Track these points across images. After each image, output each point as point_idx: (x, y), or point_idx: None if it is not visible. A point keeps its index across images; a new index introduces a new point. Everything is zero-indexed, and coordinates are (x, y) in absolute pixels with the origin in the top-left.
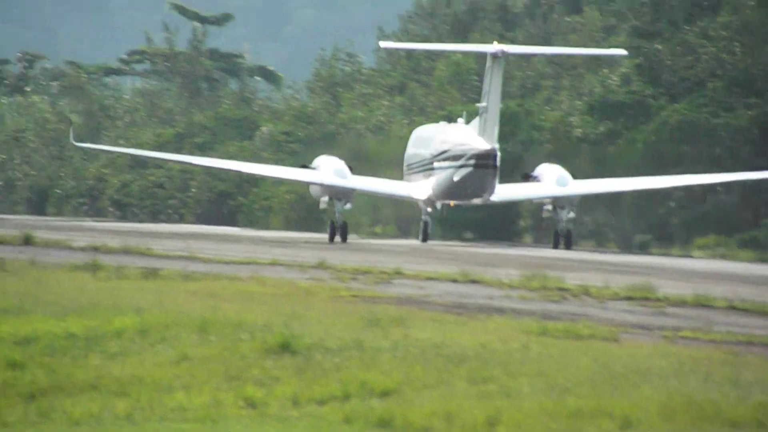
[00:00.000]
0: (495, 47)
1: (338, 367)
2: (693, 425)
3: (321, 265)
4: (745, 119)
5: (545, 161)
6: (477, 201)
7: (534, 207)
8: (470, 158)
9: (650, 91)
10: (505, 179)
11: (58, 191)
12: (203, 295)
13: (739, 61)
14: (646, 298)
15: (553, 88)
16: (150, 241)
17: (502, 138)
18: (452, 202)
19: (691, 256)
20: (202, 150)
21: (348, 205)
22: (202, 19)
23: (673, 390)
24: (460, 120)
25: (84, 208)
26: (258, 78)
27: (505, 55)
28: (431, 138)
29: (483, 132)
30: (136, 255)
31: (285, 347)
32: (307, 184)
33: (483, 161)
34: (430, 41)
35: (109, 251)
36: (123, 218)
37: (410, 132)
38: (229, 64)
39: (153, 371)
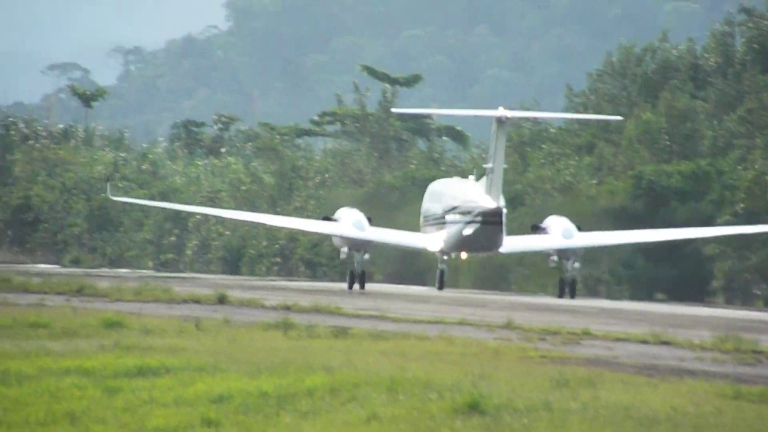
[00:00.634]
0: (499, 113)
1: (527, 428)
2: None
3: (509, 326)
4: None
5: (737, 221)
6: (486, 252)
7: (731, 268)
8: (478, 215)
9: None
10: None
11: (251, 251)
12: (392, 355)
13: None
14: None
15: (746, 147)
16: (340, 301)
17: (695, 197)
18: (463, 254)
19: None
20: (390, 211)
21: (366, 255)
22: (392, 81)
23: None
24: (471, 177)
25: (275, 267)
26: (446, 138)
27: (508, 120)
28: (443, 193)
29: (489, 191)
30: (326, 314)
31: (474, 407)
32: (329, 236)
33: (490, 218)
34: (620, 100)
35: (301, 310)
36: (313, 278)
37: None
38: (418, 124)
39: (343, 430)
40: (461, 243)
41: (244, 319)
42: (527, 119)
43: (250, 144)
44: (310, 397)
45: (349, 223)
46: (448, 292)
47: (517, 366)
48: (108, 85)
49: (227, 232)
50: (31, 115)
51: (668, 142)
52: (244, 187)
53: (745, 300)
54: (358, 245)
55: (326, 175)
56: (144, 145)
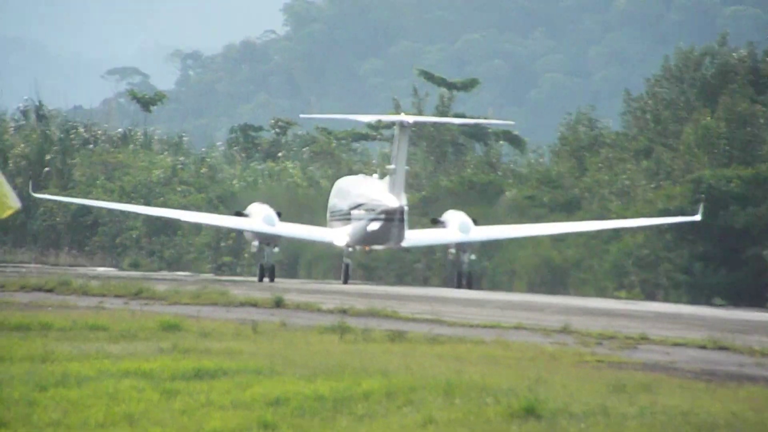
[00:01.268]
0: (401, 117)
1: None
2: None
3: (565, 330)
4: None
5: None
6: (388, 246)
7: None
8: (381, 212)
9: None
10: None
11: (307, 254)
12: (448, 358)
13: None
14: None
15: None
16: (396, 304)
17: (754, 202)
18: (368, 247)
19: None
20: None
21: (276, 249)
22: (449, 85)
23: None
24: (375, 175)
25: (333, 271)
26: (502, 142)
27: (409, 125)
28: (349, 191)
29: (392, 189)
30: (382, 318)
31: (530, 412)
32: (240, 231)
33: (392, 215)
34: (678, 104)
35: (357, 314)
36: (370, 281)
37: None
38: (475, 128)
39: None
40: (366, 238)
41: (300, 323)
42: (431, 124)
43: (307, 148)
44: (366, 400)
45: (260, 218)
46: (500, 295)
47: (574, 371)
48: (167, 89)
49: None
50: (91, 119)
51: (727, 147)
52: (300, 191)
53: None
54: (268, 239)
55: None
56: (202, 149)
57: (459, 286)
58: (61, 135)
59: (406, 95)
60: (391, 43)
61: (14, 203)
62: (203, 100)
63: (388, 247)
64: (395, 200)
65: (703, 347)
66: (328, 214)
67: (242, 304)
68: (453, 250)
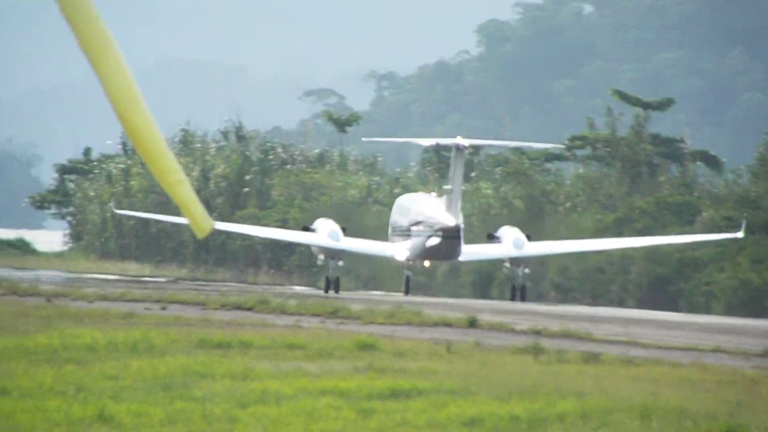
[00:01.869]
0: (457, 141)
1: None
2: None
3: (767, 354)
4: None
5: None
6: (445, 261)
7: None
8: (439, 230)
9: None
10: None
11: (501, 274)
12: (644, 381)
13: None
14: None
15: None
16: (589, 326)
17: None
18: (427, 262)
19: None
20: (642, 235)
21: (340, 263)
22: (644, 105)
23: None
24: (433, 194)
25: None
26: (699, 163)
27: (464, 148)
28: (409, 208)
29: (449, 208)
30: (576, 339)
31: None
32: (308, 245)
33: (449, 233)
34: None
35: (550, 335)
36: (563, 302)
37: None
38: (670, 149)
39: None
40: (424, 253)
41: (494, 343)
42: (482, 146)
43: (500, 168)
44: (561, 422)
45: (325, 233)
46: (697, 317)
47: None
48: (362, 110)
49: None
50: (289, 140)
51: None
52: (493, 212)
53: None
54: (333, 253)
55: (576, 200)
56: (396, 169)
57: (513, 298)
58: (260, 155)
59: (600, 115)
60: (584, 62)
61: (210, 223)
62: (397, 121)
63: (446, 262)
64: (452, 219)
65: None
66: (389, 230)
67: (436, 324)
68: (507, 265)
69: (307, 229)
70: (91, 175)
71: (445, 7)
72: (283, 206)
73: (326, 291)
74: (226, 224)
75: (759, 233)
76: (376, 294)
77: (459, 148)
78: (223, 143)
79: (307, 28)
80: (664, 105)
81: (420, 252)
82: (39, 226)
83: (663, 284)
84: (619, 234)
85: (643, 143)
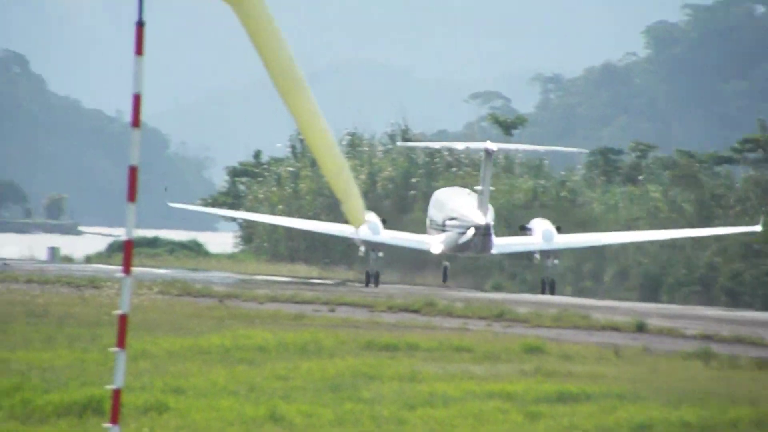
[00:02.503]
0: (486, 145)
1: None
2: None
3: None
4: None
5: None
6: (477, 254)
7: None
8: (470, 227)
9: None
10: None
11: (669, 279)
12: None
13: None
14: None
15: None
16: (763, 331)
17: None
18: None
19: None
20: None
21: (381, 254)
22: None
23: None
24: (466, 190)
25: (695, 296)
26: None
27: (493, 152)
28: (444, 204)
29: (480, 207)
30: (748, 344)
31: None
32: (349, 239)
33: (481, 231)
34: None
35: (721, 340)
36: (734, 307)
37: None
38: None
39: None
40: (457, 247)
41: (663, 348)
42: (511, 151)
43: (668, 172)
44: (733, 429)
45: (365, 226)
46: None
47: None
48: (527, 112)
49: (645, 260)
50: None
51: None
52: (662, 215)
53: None
54: (373, 246)
55: (747, 204)
56: (562, 172)
57: (543, 291)
58: (426, 158)
59: None
60: (756, 64)
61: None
62: (563, 123)
63: (478, 255)
64: (483, 217)
65: None
66: (427, 222)
67: (603, 328)
68: (538, 256)
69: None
70: (260, 178)
71: (611, 9)
72: None
73: (367, 284)
74: (258, 215)
75: None
76: (416, 287)
77: (488, 152)
78: (389, 146)
79: (472, 30)
80: None
81: (453, 246)
82: (211, 228)
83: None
84: None
85: None
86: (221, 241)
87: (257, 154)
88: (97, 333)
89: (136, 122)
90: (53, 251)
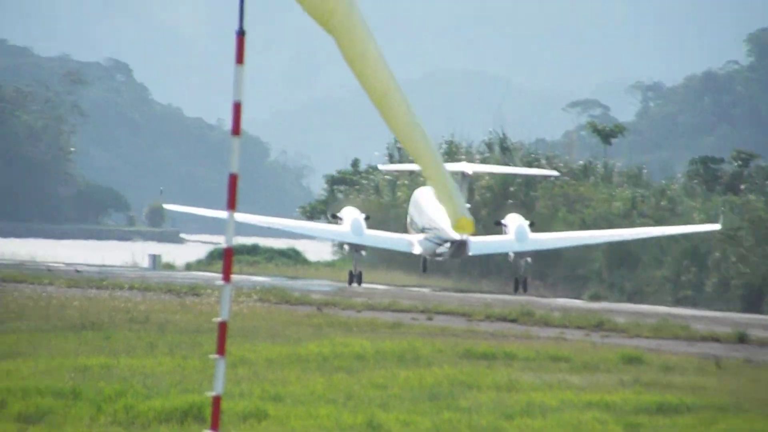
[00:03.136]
0: (462, 167)
1: None
2: None
3: None
4: None
5: None
6: (454, 257)
7: None
8: (448, 241)
9: None
10: None
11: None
12: None
13: None
14: None
15: None
16: None
17: None
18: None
19: None
20: None
21: (363, 253)
22: None
23: None
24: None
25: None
26: None
27: (468, 175)
28: (422, 210)
29: None
30: None
31: None
32: (331, 240)
33: (457, 244)
34: None
35: None
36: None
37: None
38: None
39: None
40: (435, 254)
41: (765, 359)
42: (486, 173)
43: None
44: None
45: (348, 226)
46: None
47: None
48: (627, 121)
49: (747, 270)
50: (553, 151)
51: None
52: (766, 224)
53: None
54: (356, 246)
55: None
56: (662, 181)
57: (516, 290)
58: (524, 167)
59: None
60: None
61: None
62: (664, 132)
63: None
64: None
65: None
66: (408, 220)
67: (704, 339)
68: (512, 255)
69: (335, 216)
70: (358, 186)
71: (712, 17)
72: (547, 218)
73: (350, 283)
74: (245, 215)
75: None
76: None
77: (464, 174)
78: (487, 154)
79: (570, 38)
80: None
81: (431, 252)
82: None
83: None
84: None
85: None
86: (320, 249)
87: (355, 163)
88: (197, 340)
89: (236, 130)
90: (155, 259)
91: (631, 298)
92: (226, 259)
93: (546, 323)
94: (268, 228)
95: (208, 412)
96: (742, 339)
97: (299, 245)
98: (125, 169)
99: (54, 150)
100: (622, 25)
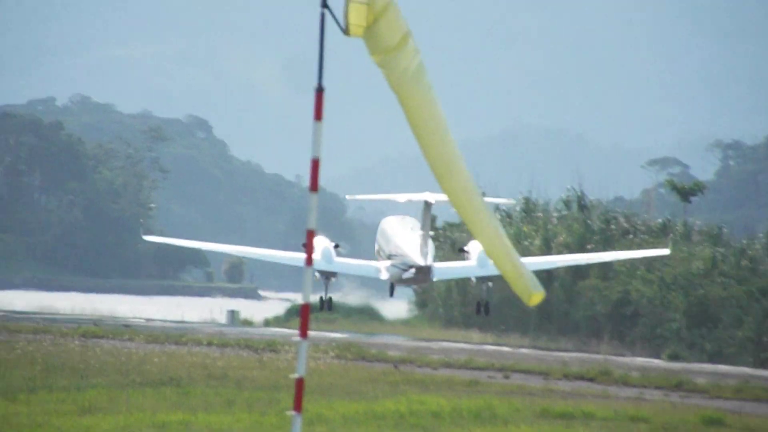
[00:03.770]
0: (425, 197)
1: None
2: None
3: None
4: None
5: None
6: (419, 284)
7: None
8: (412, 267)
9: None
10: None
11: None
12: None
13: None
14: None
15: None
16: None
17: None
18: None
19: None
20: None
21: (334, 279)
22: None
23: None
24: (414, 221)
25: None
26: None
27: (431, 204)
28: (389, 239)
29: (421, 248)
30: None
31: None
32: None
33: (421, 270)
34: None
35: None
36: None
37: None
38: None
39: None
40: (401, 280)
41: None
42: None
43: None
44: None
45: (320, 252)
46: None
47: None
48: (706, 179)
49: None
50: (631, 209)
51: None
52: None
53: None
54: (327, 274)
55: None
56: (743, 240)
57: (478, 312)
58: (602, 225)
59: None
60: None
61: (538, 289)
62: (744, 191)
63: (420, 284)
64: (422, 259)
65: None
66: (376, 247)
67: None
68: (473, 280)
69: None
70: (436, 243)
71: None
72: (625, 277)
73: (321, 309)
74: (223, 246)
75: None
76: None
77: (427, 203)
78: (564, 212)
79: (648, 95)
80: None
81: (397, 278)
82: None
83: None
84: None
85: None
86: (396, 307)
87: (432, 219)
88: (275, 396)
89: (314, 187)
90: (233, 314)
91: (711, 358)
92: (303, 315)
93: (625, 383)
94: (344, 285)
95: None
96: None
97: (376, 302)
98: (204, 225)
99: (134, 206)
100: (702, 83)
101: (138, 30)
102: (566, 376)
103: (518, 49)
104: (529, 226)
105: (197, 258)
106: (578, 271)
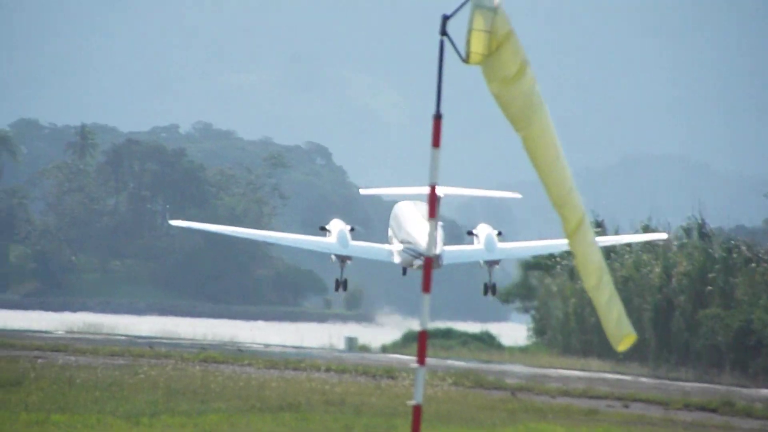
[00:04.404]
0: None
1: None
2: None
3: None
4: None
5: None
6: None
7: None
8: (422, 255)
9: None
10: None
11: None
12: None
13: None
14: None
15: None
16: None
17: None
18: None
19: None
20: None
21: (349, 262)
22: None
23: None
24: (423, 204)
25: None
26: None
27: (440, 198)
28: (401, 224)
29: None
30: None
31: None
32: (319, 252)
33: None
34: None
35: None
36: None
37: None
38: None
39: None
40: (412, 264)
41: None
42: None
43: None
44: None
45: (335, 237)
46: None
47: None
48: None
49: None
50: (753, 238)
51: None
52: None
53: None
54: (343, 257)
55: None
56: None
57: (485, 293)
58: (723, 253)
59: None
60: None
61: (630, 334)
62: None
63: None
64: (434, 247)
65: None
66: (389, 232)
67: None
68: (482, 263)
69: (323, 228)
70: (554, 271)
71: None
72: (748, 306)
73: (336, 289)
74: (243, 230)
75: None
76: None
77: (438, 197)
78: (685, 240)
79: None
80: None
81: (409, 263)
82: (504, 319)
83: None
84: None
85: None
86: (514, 334)
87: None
88: (392, 423)
89: (432, 213)
90: (350, 341)
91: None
92: (420, 342)
93: (748, 414)
94: (461, 312)
95: None
96: None
97: (493, 329)
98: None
99: None
100: None
101: (258, 57)
102: (687, 407)
103: (638, 75)
104: (648, 254)
105: (316, 284)
106: (699, 298)
